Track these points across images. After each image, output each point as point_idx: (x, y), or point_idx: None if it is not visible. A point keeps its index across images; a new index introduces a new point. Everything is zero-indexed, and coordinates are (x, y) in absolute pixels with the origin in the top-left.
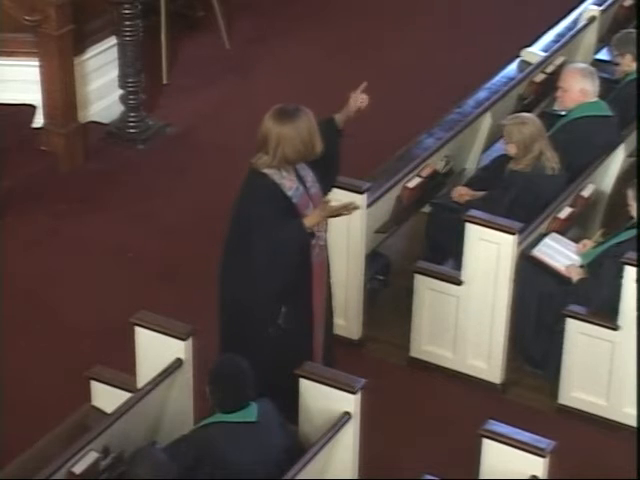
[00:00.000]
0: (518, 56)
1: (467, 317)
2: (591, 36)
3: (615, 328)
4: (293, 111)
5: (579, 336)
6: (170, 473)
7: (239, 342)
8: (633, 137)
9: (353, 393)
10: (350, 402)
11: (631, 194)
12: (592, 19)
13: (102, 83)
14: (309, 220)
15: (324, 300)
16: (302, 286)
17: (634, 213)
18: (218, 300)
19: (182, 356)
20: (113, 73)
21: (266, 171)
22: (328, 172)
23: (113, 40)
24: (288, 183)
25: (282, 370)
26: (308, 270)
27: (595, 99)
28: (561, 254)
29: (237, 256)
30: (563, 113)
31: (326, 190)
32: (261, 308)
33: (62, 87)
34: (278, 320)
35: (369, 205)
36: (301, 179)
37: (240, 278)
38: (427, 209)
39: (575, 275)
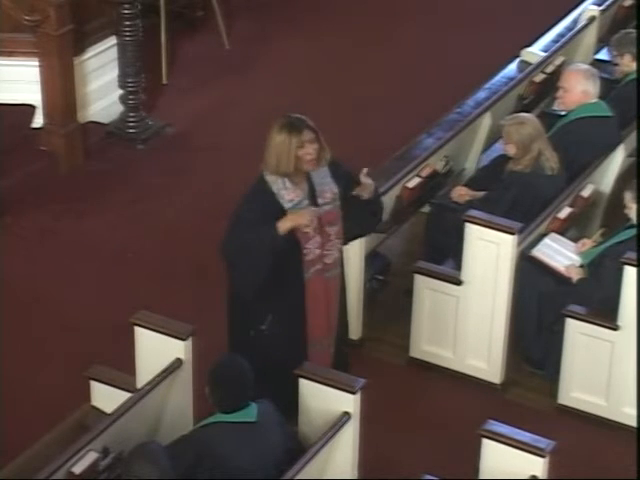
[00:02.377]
0: (518, 56)
1: (467, 317)
2: (591, 36)
3: (615, 328)
4: (285, 124)
5: (579, 336)
6: (167, 469)
7: (234, 337)
8: (633, 137)
9: (353, 393)
10: (350, 402)
11: (629, 196)
12: (592, 19)
13: (102, 83)
14: (282, 223)
15: (328, 320)
16: (293, 300)
17: (632, 215)
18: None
19: (182, 356)
20: (113, 73)
21: (268, 178)
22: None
23: (113, 40)
24: (289, 195)
25: (267, 376)
26: (300, 286)
27: (595, 100)
28: (561, 254)
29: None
30: (563, 113)
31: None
32: (243, 308)
33: (62, 87)
34: (262, 325)
35: None
36: (314, 193)
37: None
38: (427, 209)
39: (575, 275)
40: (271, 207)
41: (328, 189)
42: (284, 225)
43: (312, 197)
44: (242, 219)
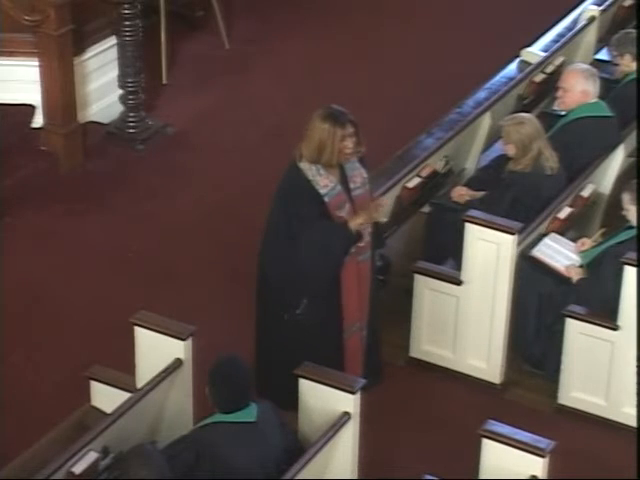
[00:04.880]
0: (518, 56)
1: (467, 317)
2: (591, 36)
3: (615, 328)
4: (329, 115)
5: (579, 336)
6: (162, 469)
7: (265, 322)
8: (633, 137)
9: (353, 393)
10: (350, 402)
11: (626, 198)
12: (592, 19)
13: (102, 83)
14: (353, 221)
15: (361, 303)
16: (330, 283)
17: (630, 217)
18: (257, 276)
19: (182, 356)
20: (113, 73)
21: (301, 165)
22: None
23: (113, 40)
24: (323, 181)
25: (294, 359)
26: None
27: (595, 100)
28: (561, 254)
29: (276, 240)
30: (563, 113)
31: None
32: (277, 292)
33: (62, 87)
34: (297, 310)
35: None
36: (345, 178)
37: (276, 260)
38: (427, 209)
39: (575, 275)
40: (310, 194)
41: (358, 173)
42: (357, 221)
43: (344, 182)
44: (299, 217)
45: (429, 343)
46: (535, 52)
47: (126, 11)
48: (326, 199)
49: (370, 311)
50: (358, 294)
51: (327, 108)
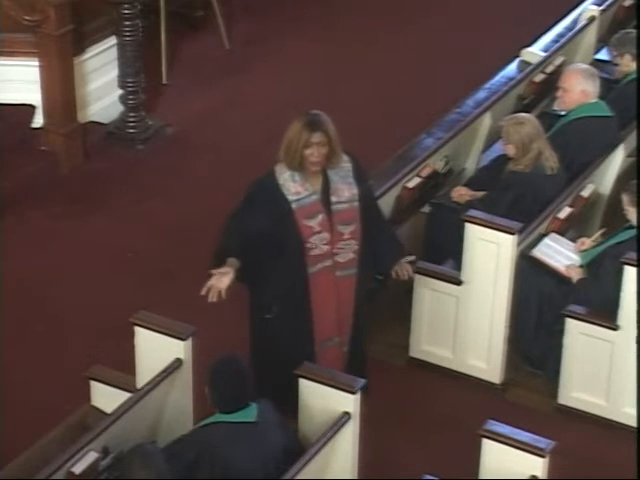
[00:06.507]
0: (518, 56)
1: (467, 317)
2: (591, 36)
3: (615, 328)
4: (305, 119)
5: (579, 336)
6: (162, 469)
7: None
8: (633, 137)
9: (353, 393)
10: (350, 402)
11: (626, 199)
12: (592, 19)
13: (102, 83)
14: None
15: (339, 318)
16: (297, 293)
17: (631, 217)
18: None
19: (182, 356)
20: (113, 73)
21: (277, 168)
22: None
23: (113, 40)
24: (295, 187)
25: (268, 365)
26: (303, 280)
27: (595, 100)
28: (561, 254)
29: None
30: (563, 113)
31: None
32: (251, 293)
33: (62, 87)
34: (268, 314)
35: None
36: (327, 189)
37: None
38: (427, 209)
39: (575, 275)
40: (271, 198)
41: (346, 188)
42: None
43: (325, 194)
44: (243, 201)
45: (429, 343)
46: (535, 52)
47: (126, 11)
48: (294, 206)
49: (354, 328)
50: (336, 309)
51: (308, 113)
